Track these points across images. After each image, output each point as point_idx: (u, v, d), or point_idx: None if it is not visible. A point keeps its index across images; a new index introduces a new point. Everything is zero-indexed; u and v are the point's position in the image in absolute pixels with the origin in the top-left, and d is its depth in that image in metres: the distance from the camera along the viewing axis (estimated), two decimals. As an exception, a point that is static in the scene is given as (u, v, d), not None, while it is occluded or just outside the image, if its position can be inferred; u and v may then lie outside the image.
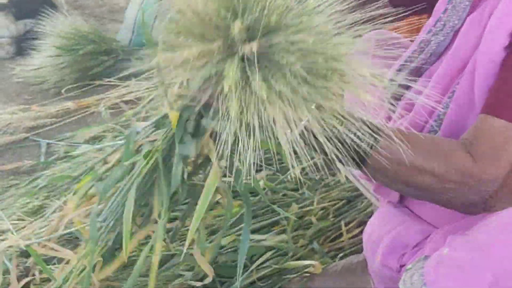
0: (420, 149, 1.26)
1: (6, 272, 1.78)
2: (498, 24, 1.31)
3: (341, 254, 1.88)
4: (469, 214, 1.27)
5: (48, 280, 1.70)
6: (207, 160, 1.45)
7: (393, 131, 1.23)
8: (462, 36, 1.40)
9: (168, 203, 1.46)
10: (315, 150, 1.24)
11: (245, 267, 1.75)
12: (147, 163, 1.48)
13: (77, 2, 4.06)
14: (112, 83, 2.99)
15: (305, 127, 1.19)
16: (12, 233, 1.92)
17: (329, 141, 1.20)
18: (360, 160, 1.25)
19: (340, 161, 1.24)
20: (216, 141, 1.36)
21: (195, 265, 1.66)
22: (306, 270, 1.79)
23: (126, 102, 2.87)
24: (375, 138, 1.24)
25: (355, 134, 1.22)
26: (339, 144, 1.21)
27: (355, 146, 1.22)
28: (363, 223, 1.88)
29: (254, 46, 1.11)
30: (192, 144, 1.38)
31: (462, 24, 1.44)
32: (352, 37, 1.21)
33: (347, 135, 1.21)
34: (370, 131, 1.23)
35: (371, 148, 1.24)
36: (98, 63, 3.11)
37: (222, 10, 1.15)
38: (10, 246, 1.85)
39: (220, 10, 1.15)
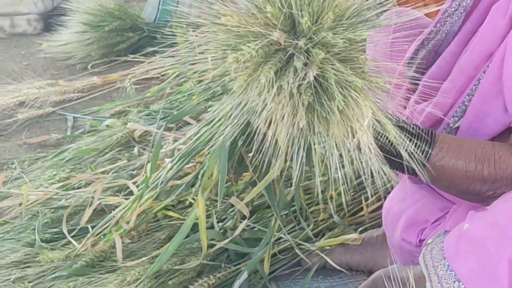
0: (471, 155, 1.26)
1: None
2: None
3: (361, 228, 1.88)
4: None
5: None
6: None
7: (442, 141, 1.25)
8: (487, 25, 1.37)
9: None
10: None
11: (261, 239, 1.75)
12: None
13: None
14: (137, 59, 2.98)
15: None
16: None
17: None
18: (421, 164, 1.24)
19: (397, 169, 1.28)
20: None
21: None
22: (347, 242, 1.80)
23: (151, 78, 2.86)
24: (428, 141, 1.25)
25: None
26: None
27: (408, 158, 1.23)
28: (382, 198, 1.87)
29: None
30: None
31: (474, 5, 1.43)
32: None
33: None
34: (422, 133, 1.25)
35: (429, 147, 1.25)
36: (123, 40, 3.11)
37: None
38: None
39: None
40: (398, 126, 1.23)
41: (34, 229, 1.84)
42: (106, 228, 1.73)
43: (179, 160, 1.69)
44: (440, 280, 1.30)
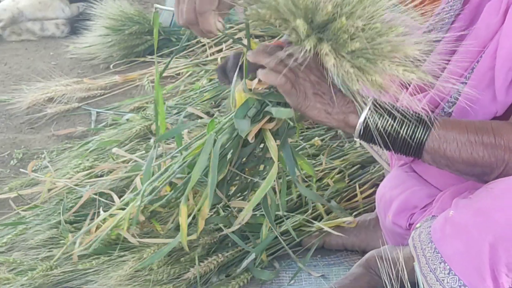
0: (473, 126, 1.24)
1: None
2: None
3: (355, 213, 1.87)
4: None
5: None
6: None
7: (442, 120, 1.24)
8: (482, 22, 1.36)
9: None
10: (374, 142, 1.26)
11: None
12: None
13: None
14: (154, 60, 2.97)
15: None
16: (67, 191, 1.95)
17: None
18: (419, 146, 1.24)
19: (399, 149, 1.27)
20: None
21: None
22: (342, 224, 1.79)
23: (167, 77, 2.85)
24: (427, 125, 1.23)
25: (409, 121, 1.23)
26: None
27: (410, 134, 1.23)
28: (375, 185, 1.88)
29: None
30: (247, 123, 1.41)
31: (462, 8, 1.42)
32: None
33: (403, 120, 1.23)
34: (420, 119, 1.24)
35: (427, 131, 1.23)
36: (142, 42, 3.10)
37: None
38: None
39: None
40: (400, 111, 1.24)
41: (60, 213, 1.84)
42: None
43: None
44: (427, 261, 1.29)
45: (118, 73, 2.97)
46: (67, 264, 1.68)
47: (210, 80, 2.65)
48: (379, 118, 1.24)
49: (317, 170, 2.01)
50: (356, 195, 1.94)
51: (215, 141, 1.48)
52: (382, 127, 1.24)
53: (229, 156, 1.54)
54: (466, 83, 1.35)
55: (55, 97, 2.76)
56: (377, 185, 1.72)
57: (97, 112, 2.66)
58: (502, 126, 1.22)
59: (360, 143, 1.87)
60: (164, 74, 2.80)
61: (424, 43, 1.20)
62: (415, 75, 1.20)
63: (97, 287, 1.59)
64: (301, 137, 2.22)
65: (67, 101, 2.74)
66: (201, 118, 2.36)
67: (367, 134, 1.26)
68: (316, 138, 2.19)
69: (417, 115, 1.24)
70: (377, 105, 1.24)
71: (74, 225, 1.82)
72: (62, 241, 1.72)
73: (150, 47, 3.08)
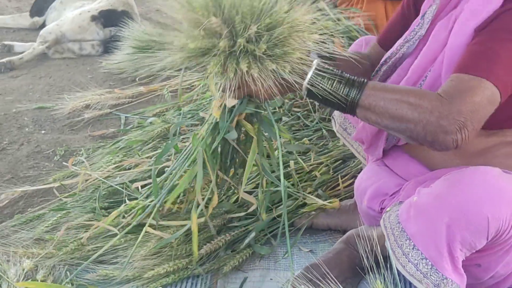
0: (401, 89, 1.23)
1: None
2: (462, 27, 1.29)
3: (338, 199, 1.86)
4: (444, 149, 1.18)
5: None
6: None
7: (372, 83, 1.23)
8: (433, 38, 1.37)
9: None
10: (318, 100, 1.26)
11: (268, 208, 1.74)
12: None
13: (147, 15, 4.05)
14: (172, 74, 2.97)
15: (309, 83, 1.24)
16: (101, 181, 1.95)
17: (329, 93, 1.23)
18: (352, 104, 1.23)
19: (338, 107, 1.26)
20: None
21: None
22: (328, 205, 1.80)
23: (183, 88, 2.85)
24: (360, 86, 1.22)
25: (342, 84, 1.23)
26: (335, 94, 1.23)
27: (345, 94, 1.22)
28: (354, 177, 1.88)
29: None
30: (232, 129, 1.45)
31: (426, 33, 1.42)
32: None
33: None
34: (356, 81, 1.23)
35: (359, 92, 1.22)
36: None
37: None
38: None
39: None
40: (338, 75, 1.24)
41: (95, 200, 1.85)
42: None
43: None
44: (395, 238, 1.30)
45: (142, 84, 2.97)
46: (100, 242, 1.69)
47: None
48: (321, 80, 1.23)
49: (306, 165, 2.01)
50: (338, 185, 1.94)
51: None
52: (322, 87, 1.23)
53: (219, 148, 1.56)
54: (421, 86, 1.37)
55: (91, 104, 2.76)
56: (356, 176, 1.72)
57: (125, 117, 2.65)
58: (427, 93, 1.20)
59: (343, 143, 1.87)
60: (181, 86, 2.81)
61: (309, 9, 1.22)
62: (317, 30, 1.22)
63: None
64: (293, 138, 2.22)
65: (100, 108, 2.74)
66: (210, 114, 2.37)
67: (312, 95, 1.26)
68: (305, 139, 2.20)
69: (352, 78, 1.23)
70: (319, 71, 1.24)
71: (108, 210, 1.82)
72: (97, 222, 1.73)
73: (171, 63, 3.09)
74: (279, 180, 1.50)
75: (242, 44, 1.20)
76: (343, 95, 1.22)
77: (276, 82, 1.25)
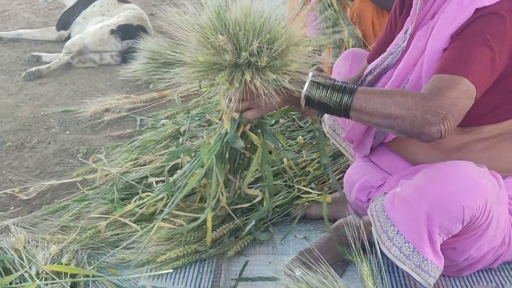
0: (387, 91, 1.24)
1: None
2: (438, 35, 1.30)
3: (329, 191, 1.86)
4: (431, 139, 1.18)
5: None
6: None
7: (362, 89, 1.23)
8: (413, 45, 1.37)
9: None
10: (316, 107, 1.26)
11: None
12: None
13: (161, 29, 4.04)
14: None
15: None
16: (118, 176, 1.95)
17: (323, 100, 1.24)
18: (346, 108, 1.23)
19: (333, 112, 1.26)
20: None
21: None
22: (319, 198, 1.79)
23: (191, 93, 2.84)
24: (351, 92, 1.23)
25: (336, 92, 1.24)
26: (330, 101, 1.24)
27: (338, 100, 1.23)
28: (343, 172, 1.87)
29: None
30: (239, 139, 1.47)
31: (407, 45, 1.42)
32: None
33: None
34: (348, 88, 1.23)
35: (351, 96, 1.22)
36: (173, 68, 3.09)
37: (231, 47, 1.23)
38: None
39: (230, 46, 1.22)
40: (331, 83, 1.24)
41: (113, 192, 1.84)
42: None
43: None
44: (381, 225, 1.30)
45: (155, 90, 2.96)
46: (118, 228, 1.69)
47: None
48: (316, 90, 1.24)
49: (300, 161, 2.01)
50: (329, 179, 1.92)
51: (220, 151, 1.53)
52: (318, 96, 1.24)
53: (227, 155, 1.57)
54: (405, 86, 1.37)
55: (110, 108, 2.75)
56: (344, 171, 1.71)
57: (140, 119, 2.65)
58: (410, 92, 1.22)
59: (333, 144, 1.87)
60: (190, 91, 2.81)
61: (303, 24, 1.22)
62: (311, 44, 1.23)
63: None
64: (288, 137, 2.21)
65: (118, 111, 2.74)
66: (216, 122, 2.37)
67: (309, 102, 1.26)
68: (300, 137, 2.19)
69: (344, 85, 1.24)
70: (314, 81, 1.25)
71: (124, 201, 1.81)
72: (115, 212, 1.73)
73: (179, 71, 3.08)
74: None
75: (246, 57, 1.21)
76: (337, 101, 1.23)
77: (277, 91, 1.26)
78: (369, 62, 1.61)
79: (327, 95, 1.23)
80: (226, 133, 1.49)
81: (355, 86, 1.23)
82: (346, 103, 1.22)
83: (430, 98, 1.15)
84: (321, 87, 1.24)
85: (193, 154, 1.84)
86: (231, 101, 1.29)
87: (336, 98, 1.23)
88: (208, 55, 1.22)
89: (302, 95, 1.25)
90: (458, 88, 1.16)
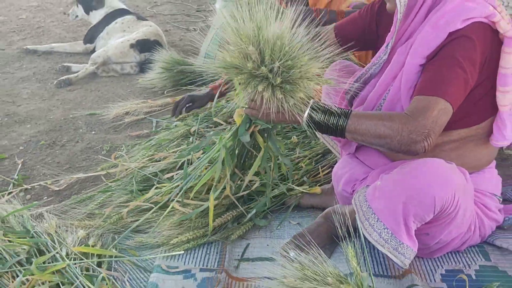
0: (376, 114, 1.23)
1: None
2: (414, 53, 1.29)
3: (319, 184, 1.85)
4: (416, 154, 1.20)
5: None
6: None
7: (355, 113, 1.24)
8: (394, 60, 1.37)
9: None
10: (316, 129, 1.26)
11: (264, 192, 1.73)
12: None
13: (174, 43, 4.03)
14: (192, 88, 2.96)
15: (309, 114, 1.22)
16: (137, 170, 1.94)
17: (322, 124, 1.24)
18: (341, 130, 1.24)
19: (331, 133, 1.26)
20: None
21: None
22: (310, 191, 1.78)
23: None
24: (346, 116, 1.23)
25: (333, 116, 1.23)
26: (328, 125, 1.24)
27: (335, 123, 1.23)
28: (331, 167, 1.87)
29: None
30: (247, 135, 1.47)
31: (388, 57, 1.42)
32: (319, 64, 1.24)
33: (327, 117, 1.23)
34: (343, 113, 1.23)
35: (346, 120, 1.23)
36: (184, 77, 3.08)
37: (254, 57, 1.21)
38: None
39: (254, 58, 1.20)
40: (328, 110, 1.24)
41: (133, 184, 1.84)
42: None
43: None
44: (363, 213, 1.29)
45: (169, 96, 2.96)
46: (137, 215, 1.69)
47: (227, 101, 2.64)
48: (315, 114, 1.24)
49: (294, 157, 2.00)
50: (319, 173, 1.93)
51: (226, 146, 1.53)
52: (318, 119, 1.24)
53: (237, 151, 1.57)
54: (385, 99, 1.36)
55: (130, 111, 2.74)
56: (333, 166, 1.71)
57: (156, 121, 2.64)
58: (396, 114, 1.21)
59: (322, 141, 1.87)
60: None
61: (324, 63, 1.22)
62: (320, 84, 1.23)
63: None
64: (283, 137, 2.21)
65: (137, 114, 2.73)
66: (221, 124, 2.36)
67: (310, 125, 1.26)
68: (294, 137, 2.19)
69: (339, 111, 1.24)
70: (315, 107, 1.25)
71: (142, 191, 1.81)
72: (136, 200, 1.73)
73: (189, 80, 3.07)
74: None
75: (265, 72, 1.20)
76: (334, 123, 1.23)
77: (280, 108, 1.26)
78: (335, 29, 1.61)
79: (325, 119, 1.24)
80: (237, 129, 1.49)
81: (350, 110, 1.24)
82: (341, 125, 1.23)
83: (414, 119, 1.17)
84: (320, 112, 1.24)
85: (201, 152, 1.84)
86: (242, 99, 1.29)
87: (333, 122, 1.23)
88: (235, 58, 1.21)
89: (304, 118, 1.25)
90: (437, 108, 1.17)
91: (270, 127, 1.50)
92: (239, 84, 1.26)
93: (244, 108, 1.39)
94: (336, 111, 1.24)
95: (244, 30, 1.20)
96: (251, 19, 1.20)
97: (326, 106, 1.25)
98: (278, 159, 1.64)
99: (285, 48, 1.20)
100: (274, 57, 1.20)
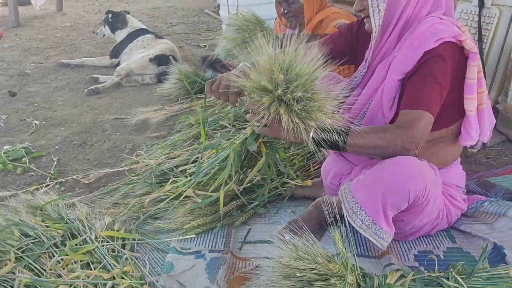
0: (373, 129, 1.23)
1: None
2: (395, 70, 1.30)
3: (310, 178, 1.85)
4: None
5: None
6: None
7: (355, 128, 1.22)
8: (375, 75, 1.37)
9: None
10: (320, 145, 1.24)
11: (263, 185, 1.73)
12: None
13: (186, 58, 4.03)
14: (202, 96, 2.97)
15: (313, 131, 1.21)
16: (155, 166, 1.94)
17: (325, 141, 1.22)
18: (343, 145, 1.23)
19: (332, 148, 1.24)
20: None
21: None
22: (301, 184, 1.77)
23: (209, 105, 2.83)
24: (346, 133, 1.23)
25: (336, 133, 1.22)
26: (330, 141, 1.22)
27: (338, 139, 1.22)
28: (321, 163, 1.87)
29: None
30: (254, 145, 1.47)
31: (367, 70, 1.41)
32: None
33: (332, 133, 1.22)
34: (343, 130, 1.23)
35: (346, 136, 1.22)
36: (195, 86, 3.09)
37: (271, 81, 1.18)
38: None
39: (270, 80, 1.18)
40: (330, 129, 1.23)
41: (152, 178, 1.84)
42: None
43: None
44: (348, 203, 1.29)
45: (183, 103, 2.97)
46: (155, 205, 1.69)
47: (233, 106, 2.65)
48: (319, 134, 1.22)
49: (288, 155, 2.00)
50: (310, 168, 1.92)
51: (234, 150, 1.53)
52: (321, 138, 1.22)
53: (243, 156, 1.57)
54: (368, 107, 1.36)
55: (149, 116, 2.74)
56: (322, 163, 1.71)
57: (171, 124, 2.64)
58: (389, 127, 1.22)
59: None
60: (208, 104, 2.80)
61: (337, 100, 1.20)
62: (331, 119, 1.20)
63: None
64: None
65: (156, 118, 2.73)
66: (227, 126, 2.36)
67: (315, 143, 1.24)
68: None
69: (340, 129, 1.23)
70: (318, 128, 1.22)
71: (160, 184, 1.81)
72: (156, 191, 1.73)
73: (200, 89, 3.07)
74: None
75: (288, 98, 1.17)
76: (336, 140, 1.22)
77: (293, 129, 1.22)
78: (319, 44, 1.59)
79: (328, 136, 1.22)
80: (246, 138, 1.50)
81: (349, 127, 1.23)
82: (343, 141, 1.23)
83: (404, 129, 1.19)
84: (323, 132, 1.22)
85: (209, 150, 1.84)
86: (260, 116, 1.25)
87: (335, 138, 1.23)
88: (266, 82, 1.18)
89: (310, 137, 1.23)
90: (423, 119, 1.19)
91: (276, 141, 1.50)
92: (263, 103, 1.22)
93: (257, 127, 1.32)
94: (337, 129, 1.23)
95: (278, 61, 1.18)
96: (284, 53, 1.18)
97: (327, 127, 1.23)
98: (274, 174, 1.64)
99: (307, 84, 1.18)
100: (299, 88, 1.17)
